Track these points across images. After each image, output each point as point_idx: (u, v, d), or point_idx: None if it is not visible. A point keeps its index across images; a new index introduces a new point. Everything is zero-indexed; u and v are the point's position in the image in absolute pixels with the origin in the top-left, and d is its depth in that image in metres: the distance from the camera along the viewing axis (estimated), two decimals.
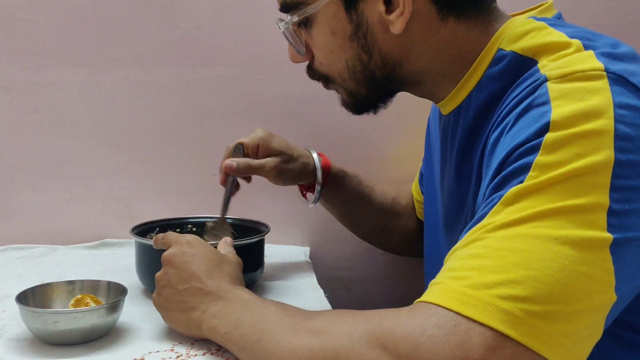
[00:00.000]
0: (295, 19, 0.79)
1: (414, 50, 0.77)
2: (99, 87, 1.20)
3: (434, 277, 0.61)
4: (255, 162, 0.98)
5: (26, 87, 1.18)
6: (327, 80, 0.84)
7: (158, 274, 0.79)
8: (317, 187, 1.05)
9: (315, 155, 1.05)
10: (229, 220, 1.06)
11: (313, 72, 0.84)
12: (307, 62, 0.85)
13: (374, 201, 1.11)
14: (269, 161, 0.99)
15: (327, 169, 1.06)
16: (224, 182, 0.98)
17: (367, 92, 0.81)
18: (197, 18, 1.19)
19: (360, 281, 1.28)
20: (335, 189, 1.07)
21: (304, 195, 1.09)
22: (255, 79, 1.21)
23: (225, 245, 0.86)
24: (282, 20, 0.82)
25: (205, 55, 1.20)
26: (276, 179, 1.00)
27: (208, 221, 1.04)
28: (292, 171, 1.01)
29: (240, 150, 0.99)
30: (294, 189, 1.08)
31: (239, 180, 1.01)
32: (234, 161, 0.96)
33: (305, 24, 0.80)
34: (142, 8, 1.18)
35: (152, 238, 0.87)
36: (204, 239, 0.83)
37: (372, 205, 1.11)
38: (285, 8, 0.81)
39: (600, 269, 0.56)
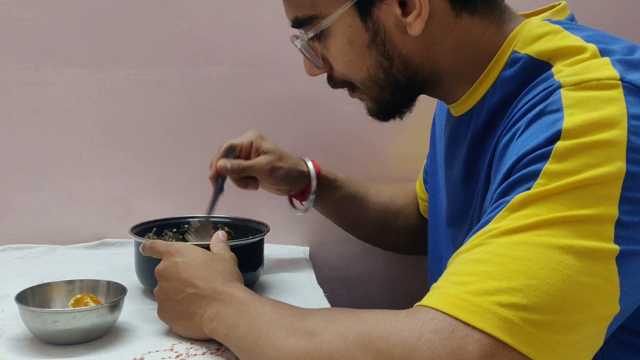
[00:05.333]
0: (311, 34, 0.78)
1: (433, 50, 0.76)
2: (99, 87, 1.20)
3: (435, 274, 0.60)
4: (247, 162, 1.00)
5: (26, 87, 1.18)
6: (351, 87, 0.82)
7: (155, 290, 0.80)
8: (311, 196, 1.05)
9: (310, 164, 1.06)
10: (228, 220, 1.06)
11: (334, 82, 0.83)
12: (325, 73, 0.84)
13: (369, 200, 1.11)
14: (261, 159, 1.01)
15: (317, 174, 1.06)
16: (214, 179, 0.99)
17: (392, 97, 0.80)
18: (196, 17, 1.19)
19: (360, 281, 1.28)
20: (328, 192, 1.07)
21: (293, 204, 1.10)
22: (255, 79, 1.21)
23: (218, 242, 0.85)
24: (296, 37, 0.80)
25: (205, 55, 1.20)
26: (268, 177, 1.00)
27: (194, 221, 1.03)
28: (283, 169, 1.02)
29: (232, 152, 1.00)
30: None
31: (234, 185, 1.02)
32: (227, 162, 0.98)
33: (320, 36, 0.78)
34: (142, 8, 1.18)
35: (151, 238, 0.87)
36: (187, 239, 0.83)
37: (367, 204, 1.11)
38: (297, 24, 0.79)
39: (605, 280, 0.55)
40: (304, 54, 0.81)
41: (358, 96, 0.83)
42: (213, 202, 0.99)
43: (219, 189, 0.98)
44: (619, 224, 0.56)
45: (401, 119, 0.84)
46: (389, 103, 0.81)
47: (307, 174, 1.05)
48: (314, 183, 1.05)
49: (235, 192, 1.04)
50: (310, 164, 1.06)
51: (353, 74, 0.79)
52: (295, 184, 1.05)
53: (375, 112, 0.83)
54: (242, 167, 0.99)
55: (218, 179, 0.99)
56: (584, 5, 1.17)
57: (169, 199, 1.23)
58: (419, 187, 1.12)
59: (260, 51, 1.20)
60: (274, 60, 1.19)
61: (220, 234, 0.87)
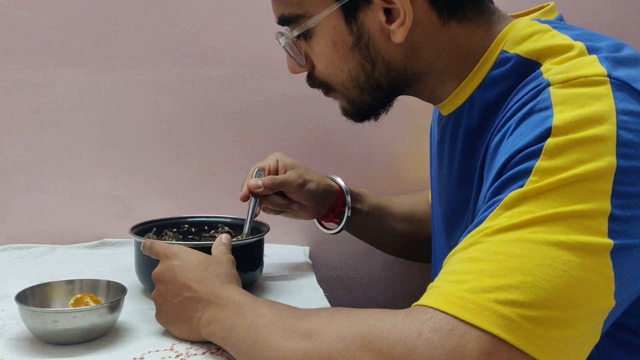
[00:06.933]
0: (296, 33, 0.78)
1: (416, 54, 0.76)
2: (99, 87, 1.20)
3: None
4: (279, 176, 0.99)
5: (26, 86, 1.18)
6: (327, 88, 0.83)
7: (153, 294, 0.80)
8: (347, 211, 1.05)
9: (339, 180, 1.06)
10: (228, 220, 1.07)
11: (313, 81, 0.84)
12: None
13: (393, 210, 1.11)
14: (291, 173, 1.00)
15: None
16: (245, 199, 0.97)
17: (371, 100, 0.80)
18: (196, 18, 1.19)
19: (360, 281, 1.28)
20: (354, 206, 1.06)
21: (324, 226, 1.09)
22: (255, 79, 1.21)
23: (219, 245, 0.85)
24: (281, 34, 0.81)
25: (205, 55, 1.20)
26: (299, 191, 0.99)
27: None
28: (313, 182, 1.01)
29: (261, 174, 1.00)
30: None
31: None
32: (258, 180, 0.97)
33: (305, 35, 0.79)
34: (142, 8, 1.18)
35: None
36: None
37: (392, 215, 1.10)
38: (283, 22, 0.80)
39: (600, 275, 0.55)
40: (288, 52, 0.82)
41: (333, 97, 0.84)
42: (249, 223, 0.97)
43: (252, 210, 0.97)
44: (612, 218, 0.56)
45: (376, 120, 0.84)
46: (367, 105, 0.81)
47: (334, 189, 1.05)
48: (348, 198, 1.05)
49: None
50: (339, 180, 1.06)
51: (334, 74, 0.80)
52: (323, 201, 1.03)
53: (351, 113, 0.84)
54: (274, 183, 0.97)
55: (250, 199, 0.97)
56: (583, 5, 1.17)
57: (169, 199, 1.23)
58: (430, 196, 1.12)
59: (260, 51, 1.20)
60: (274, 61, 1.19)
61: (223, 237, 0.87)
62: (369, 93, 0.79)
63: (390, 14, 0.74)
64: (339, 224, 1.07)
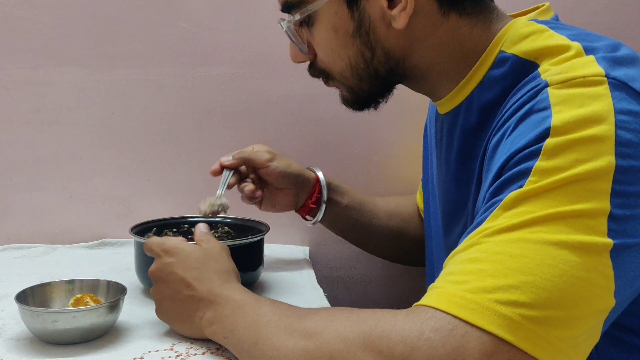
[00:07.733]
0: (297, 17, 0.79)
1: (417, 45, 0.77)
2: (99, 87, 1.20)
3: (433, 280, 0.61)
4: (247, 150, 1.00)
5: (26, 86, 1.18)
6: (327, 77, 0.83)
7: (152, 290, 0.79)
8: (323, 204, 1.04)
9: (319, 172, 1.05)
10: (228, 220, 1.06)
11: (314, 70, 0.84)
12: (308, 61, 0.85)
13: (376, 209, 1.10)
14: (259, 150, 1.00)
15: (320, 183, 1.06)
16: (215, 173, 0.98)
17: (370, 88, 0.81)
18: (197, 17, 1.19)
19: (360, 281, 1.28)
20: (333, 199, 1.06)
21: (305, 218, 1.09)
22: (255, 78, 1.21)
23: (204, 235, 0.83)
24: (284, 20, 0.82)
25: (205, 55, 1.20)
26: (269, 165, 0.99)
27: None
28: (284, 160, 1.01)
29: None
30: None
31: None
32: (228, 155, 0.99)
33: (307, 22, 0.80)
34: (142, 7, 1.18)
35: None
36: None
37: (374, 213, 1.10)
38: (286, 7, 0.81)
39: (600, 274, 0.56)
40: (290, 38, 0.82)
41: (333, 85, 0.84)
42: (222, 189, 0.97)
43: (226, 180, 0.98)
44: (611, 217, 0.56)
45: (376, 109, 0.85)
46: (366, 94, 0.82)
47: (311, 177, 1.04)
48: (324, 188, 1.04)
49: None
50: (319, 172, 1.06)
51: (334, 62, 0.80)
52: (300, 188, 1.03)
53: (351, 101, 0.84)
54: (242, 155, 0.98)
55: (224, 173, 0.98)
56: (583, 5, 1.17)
57: (169, 199, 1.23)
58: (419, 199, 1.12)
59: (260, 51, 1.20)
60: (274, 60, 1.19)
61: (201, 226, 0.85)
62: (367, 81, 0.80)
63: (392, 1, 0.74)
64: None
